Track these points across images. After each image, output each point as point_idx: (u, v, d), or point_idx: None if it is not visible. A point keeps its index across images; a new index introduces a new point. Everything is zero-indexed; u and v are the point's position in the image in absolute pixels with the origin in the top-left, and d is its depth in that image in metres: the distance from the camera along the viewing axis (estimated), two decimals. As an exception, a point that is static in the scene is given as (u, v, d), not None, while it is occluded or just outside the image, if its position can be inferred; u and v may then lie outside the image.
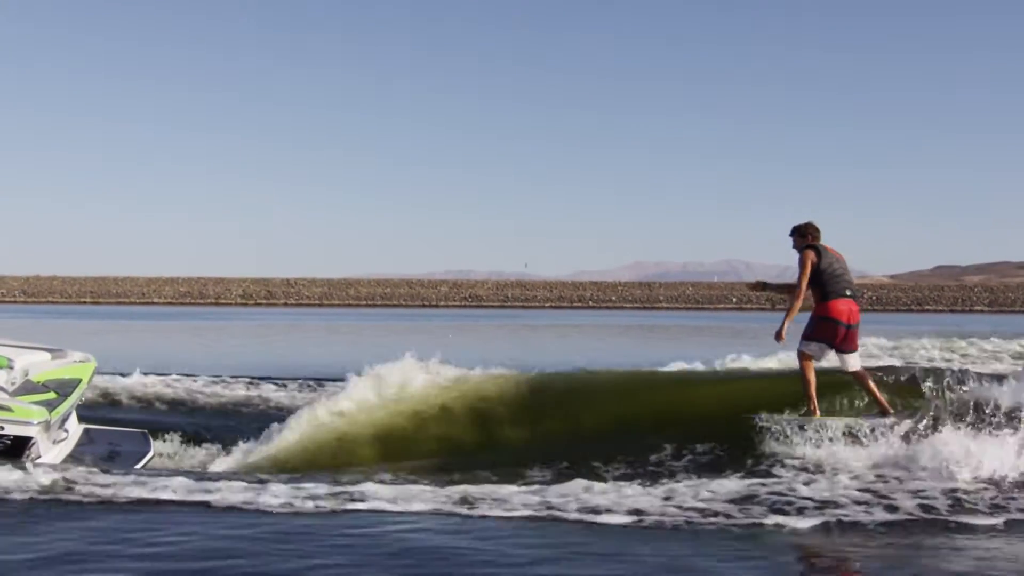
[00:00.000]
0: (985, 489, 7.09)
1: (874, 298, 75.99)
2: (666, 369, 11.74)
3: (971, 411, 8.25)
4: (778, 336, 8.47)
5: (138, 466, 8.71)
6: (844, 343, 8.37)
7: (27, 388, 8.67)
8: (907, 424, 8.21)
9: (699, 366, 12.12)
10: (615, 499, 6.80)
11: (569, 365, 13.83)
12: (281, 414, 10.85)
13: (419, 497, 6.87)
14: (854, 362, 8.49)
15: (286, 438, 9.50)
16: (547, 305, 71.84)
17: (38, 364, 9.18)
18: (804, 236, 8.68)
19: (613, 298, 74.79)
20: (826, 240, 8.78)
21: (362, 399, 9.99)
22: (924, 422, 8.22)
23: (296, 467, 8.82)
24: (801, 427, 8.31)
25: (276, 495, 6.82)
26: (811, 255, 8.40)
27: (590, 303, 72.84)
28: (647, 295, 75.00)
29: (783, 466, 7.89)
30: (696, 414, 9.23)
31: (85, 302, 72.68)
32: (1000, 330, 24.82)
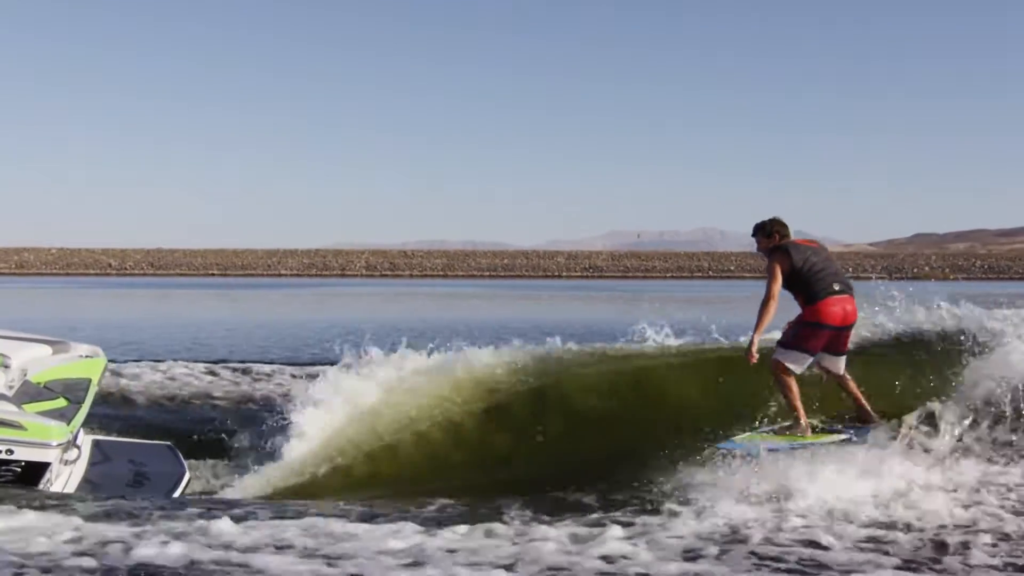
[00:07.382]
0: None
1: (985, 266, 76.99)
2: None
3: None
4: (749, 356, 6.89)
5: (175, 493, 7.05)
6: (831, 347, 7.03)
7: (29, 393, 6.99)
8: (887, 435, 6.61)
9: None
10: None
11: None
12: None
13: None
14: (839, 365, 7.15)
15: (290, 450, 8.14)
16: (667, 276, 73.29)
17: (38, 361, 7.43)
18: (770, 236, 7.17)
19: (731, 268, 76.23)
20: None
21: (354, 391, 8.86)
22: (906, 435, 6.60)
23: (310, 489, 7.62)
24: (774, 449, 6.56)
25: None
26: (779, 261, 6.91)
27: (709, 273, 74.29)
28: (763, 264, 76.46)
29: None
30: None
31: (213, 274, 74.59)
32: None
